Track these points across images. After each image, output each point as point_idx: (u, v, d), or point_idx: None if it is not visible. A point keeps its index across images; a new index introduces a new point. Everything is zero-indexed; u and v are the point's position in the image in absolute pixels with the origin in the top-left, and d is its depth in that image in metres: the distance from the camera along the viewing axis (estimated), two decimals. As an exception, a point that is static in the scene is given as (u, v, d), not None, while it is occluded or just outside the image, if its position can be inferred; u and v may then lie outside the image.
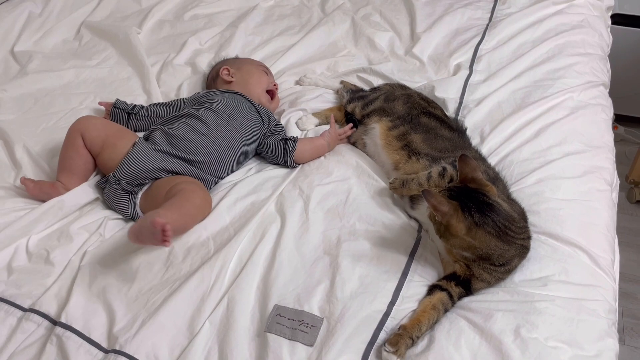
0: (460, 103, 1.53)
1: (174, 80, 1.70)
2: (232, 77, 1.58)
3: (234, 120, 1.40)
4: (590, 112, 1.49)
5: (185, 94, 1.64)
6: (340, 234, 1.15)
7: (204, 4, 2.07)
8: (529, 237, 1.09)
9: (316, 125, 1.51)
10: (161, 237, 1.01)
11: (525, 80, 1.60)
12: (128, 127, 1.51)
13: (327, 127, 1.47)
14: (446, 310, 1.02)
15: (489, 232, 1.00)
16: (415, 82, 1.65)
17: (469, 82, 1.62)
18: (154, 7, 2.03)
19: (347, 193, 1.26)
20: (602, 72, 1.69)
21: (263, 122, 1.45)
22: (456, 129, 1.35)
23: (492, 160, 1.34)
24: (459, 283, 1.04)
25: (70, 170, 1.31)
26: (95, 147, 1.32)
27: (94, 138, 1.31)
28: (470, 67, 1.68)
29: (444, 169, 1.16)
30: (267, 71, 1.63)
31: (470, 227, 0.99)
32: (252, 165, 1.42)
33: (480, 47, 1.76)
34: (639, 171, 2.26)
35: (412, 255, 1.13)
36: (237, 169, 1.40)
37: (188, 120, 1.37)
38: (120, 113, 1.50)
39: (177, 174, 1.29)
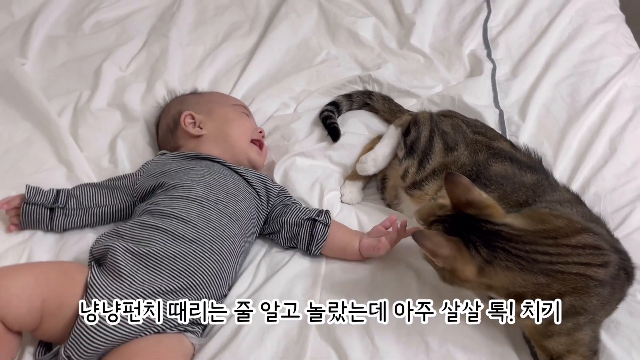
0: (501, 113, 1.18)
1: (101, 137, 1.17)
2: (200, 128, 1.10)
3: (226, 208, 0.95)
4: (652, 101, 1.22)
5: (124, 157, 1.14)
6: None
7: (106, 3, 1.49)
8: (601, 265, 0.78)
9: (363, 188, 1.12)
10: None
11: (563, 67, 1.29)
12: (52, 227, 1.01)
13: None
14: None
15: (507, 267, 0.76)
16: (427, 86, 1.27)
17: (495, 78, 1.26)
18: (34, 17, 1.42)
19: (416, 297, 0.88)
20: (631, 37, 1.43)
21: (259, 195, 1.01)
22: (536, 168, 0.99)
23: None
24: None
25: None
26: (28, 325, 0.81)
27: (22, 316, 0.80)
28: (489, 55, 1.32)
29: None
30: (246, 112, 1.16)
31: (481, 267, 0.76)
32: (256, 257, 1.00)
33: (489, 25, 1.40)
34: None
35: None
36: (237, 273, 0.97)
37: (161, 223, 0.90)
38: (38, 210, 1.00)
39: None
